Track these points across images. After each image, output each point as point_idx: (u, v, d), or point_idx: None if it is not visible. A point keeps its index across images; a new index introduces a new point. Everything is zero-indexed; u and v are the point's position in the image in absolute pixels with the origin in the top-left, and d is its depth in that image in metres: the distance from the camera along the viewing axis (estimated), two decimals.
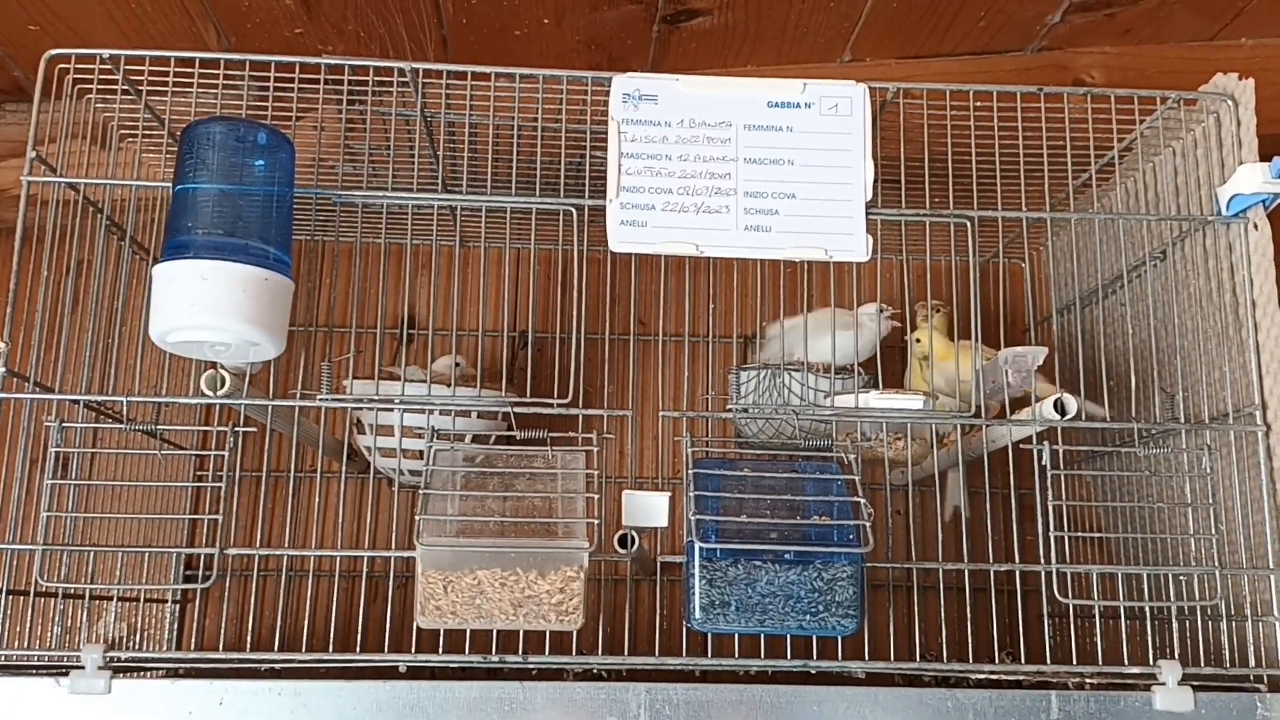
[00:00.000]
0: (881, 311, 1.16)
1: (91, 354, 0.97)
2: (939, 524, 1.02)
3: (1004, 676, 0.92)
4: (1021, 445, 1.00)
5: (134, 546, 1.09)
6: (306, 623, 0.96)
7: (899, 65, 1.37)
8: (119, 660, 0.87)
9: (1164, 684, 0.88)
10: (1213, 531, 0.98)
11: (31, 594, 0.96)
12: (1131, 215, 1.14)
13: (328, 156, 1.12)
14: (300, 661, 0.89)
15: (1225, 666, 0.94)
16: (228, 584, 1.28)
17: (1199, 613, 0.98)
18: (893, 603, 0.96)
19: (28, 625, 0.96)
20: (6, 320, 0.93)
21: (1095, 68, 1.38)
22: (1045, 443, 0.95)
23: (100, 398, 0.97)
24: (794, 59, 1.36)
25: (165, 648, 1.27)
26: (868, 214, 0.98)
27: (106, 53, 0.98)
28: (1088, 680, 0.91)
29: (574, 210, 0.99)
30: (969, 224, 1.01)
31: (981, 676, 0.92)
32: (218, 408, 1.01)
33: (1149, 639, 0.98)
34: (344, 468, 1.23)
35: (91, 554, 0.99)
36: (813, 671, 0.90)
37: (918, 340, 1.17)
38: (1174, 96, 1.03)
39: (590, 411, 0.97)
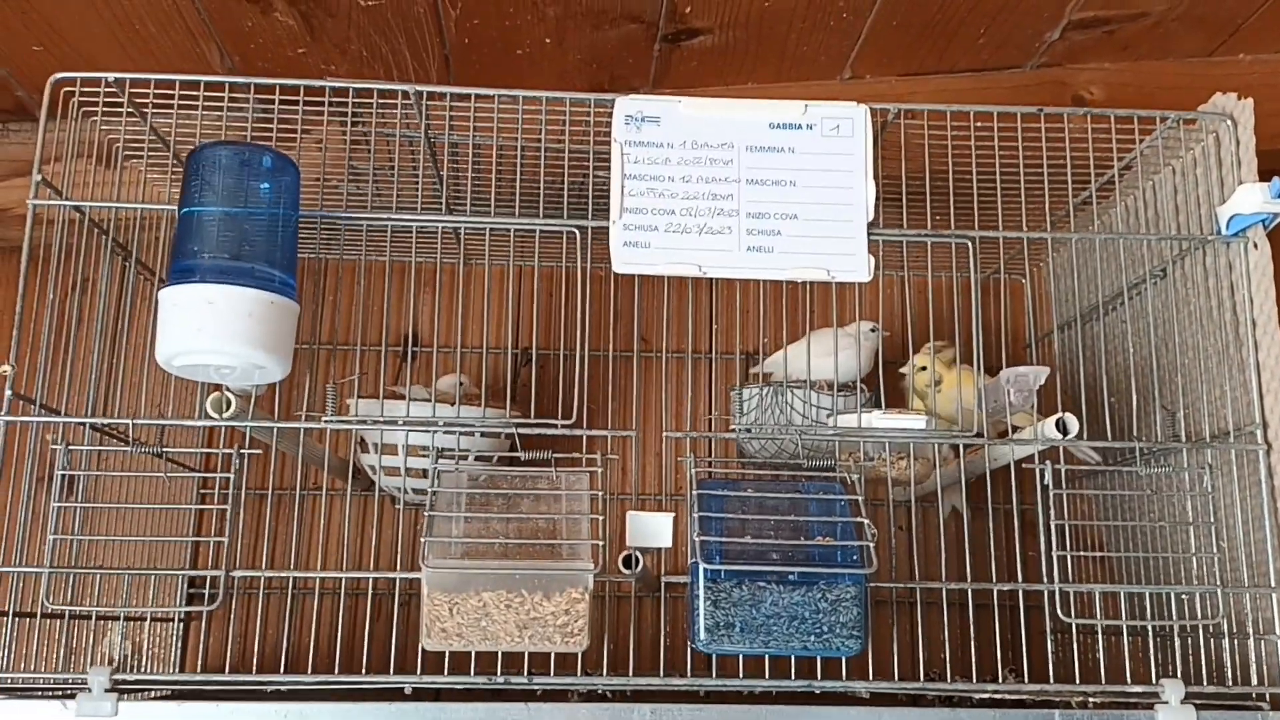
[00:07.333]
0: (875, 331, 1.17)
1: (96, 375, 0.97)
2: (942, 541, 1.02)
3: (1007, 696, 0.92)
4: (1024, 464, 1.00)
5: (140, 569, 1.09)
6: (311, 641, 0.96)
7: (899, 83, 1.38)
8: (125, 682, 0.87)
9: (1167, 703, 0.89)
10: (1214, 550, 0.98)
11: (38, 616, 0.96)
12: (1131, 235, 1.15)
13: (331, 175, 1.13)
14: (305, 684, 0.89)
15: (1228, 685, 0.95)
16: (233, 603, 1.28)
17: (1201, 631, 0.99)
18: (896, 621, 0.96)
19: (33, 647, 0.96)
20: (13, 343, 0.93)
21: (1095, 84, 1.39)
22: (1047, 462, 0.96)
23: (105, 420, 0.97)
24: (794, 77, 1.37)
25: (171, 667, 1.27)
26: (869, 234, 0.98)
27: (111, 76, 0.98)
28: (1091, 699, 0.92)
29: (577, 231, 0.99)
30: (970, 244, 1.01)
31: (984, 696, 0.92)
32: (223, 428, 1.02)
33: (1152, 657, 0.98)
34: (349, 486, 1.23)
35: (98, 575, 0.99)
36: (817, 691, 0.90)
37: (921, 368, 1.16)
38: (1173, 116, 1.04)
39: (594, 432, 0.98)
